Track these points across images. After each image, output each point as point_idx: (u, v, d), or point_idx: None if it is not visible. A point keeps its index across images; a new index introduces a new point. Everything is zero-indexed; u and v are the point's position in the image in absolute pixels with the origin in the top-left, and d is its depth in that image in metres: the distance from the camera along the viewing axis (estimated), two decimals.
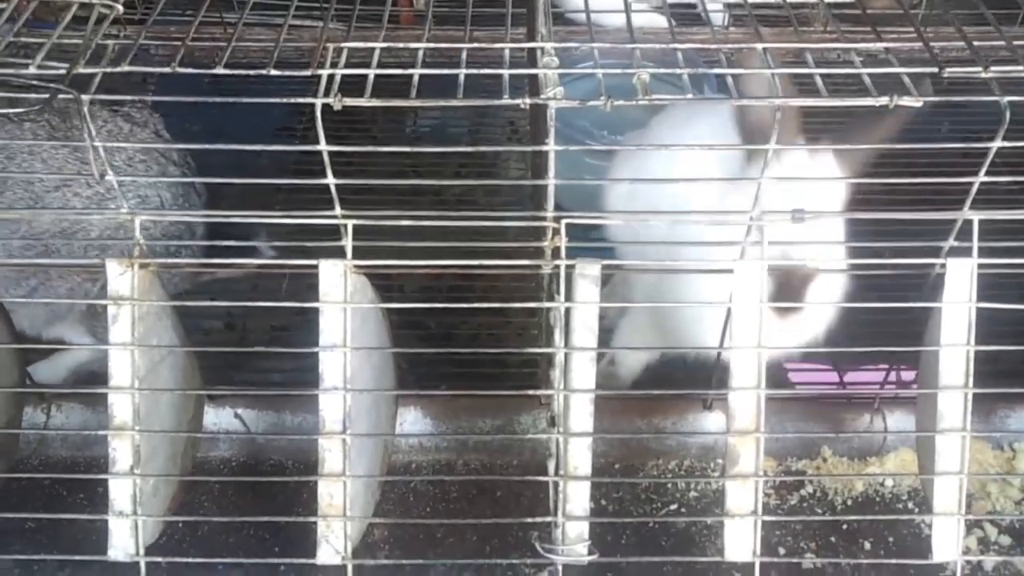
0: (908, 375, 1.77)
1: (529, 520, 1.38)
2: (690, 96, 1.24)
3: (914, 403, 1.60)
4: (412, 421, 1.71)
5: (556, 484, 1.35)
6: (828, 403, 1.81)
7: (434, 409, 1.71)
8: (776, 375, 1.67)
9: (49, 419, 1.78)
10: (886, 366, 1.76)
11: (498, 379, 1.76)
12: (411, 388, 1.75)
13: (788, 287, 1.40)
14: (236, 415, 1.74)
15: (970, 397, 1.36)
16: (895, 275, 1.42)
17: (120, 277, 1.38)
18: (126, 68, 1.28)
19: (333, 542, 1.37)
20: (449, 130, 2.83)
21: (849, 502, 1.75)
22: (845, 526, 1.71)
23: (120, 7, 1.38)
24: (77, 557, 1.58)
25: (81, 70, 1.27)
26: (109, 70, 1.28)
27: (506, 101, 1.24)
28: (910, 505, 1.75)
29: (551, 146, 1.29)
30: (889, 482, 1.76)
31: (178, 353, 1.52)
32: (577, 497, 1.36)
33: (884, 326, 1.47)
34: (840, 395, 1.82)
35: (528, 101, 1.24)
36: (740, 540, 1.37)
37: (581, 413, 1.35)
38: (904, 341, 1.42)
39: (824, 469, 1.77)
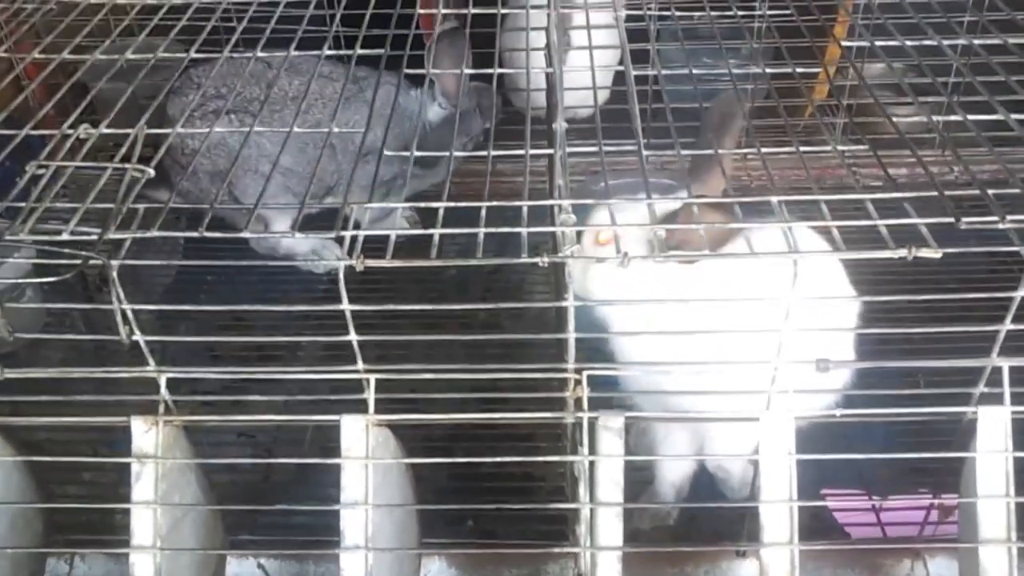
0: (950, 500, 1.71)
1: None
2: (707, 253, 1.25)
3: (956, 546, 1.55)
4: (436, 572, 1.67)
5: None
6: (867, 544, 1.75)
7: (459, 559, 1.67)
8: (810, 496, 1.61)
9: (72, 570, 1.76)
10: (925, 492, 1.71)
11: (526, 518, 1.72)
12: (437, 523, 1.71)
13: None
14: (259, 565, 1.71)
15: (1015, 552, 1.31)
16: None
17: (145, 435, 1.39)
18: (156, 233, 1.33)
19: None
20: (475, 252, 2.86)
21: None
22: None
23: (151, 171, 1.43)
24: None
25: (112, 236, 1.31)
26: (139, 235, 1.32)
27: (524, 260, 1.26)
28: None
29: (571, 302, 1.30)
30: None
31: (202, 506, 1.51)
32: None
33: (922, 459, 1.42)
34: (878, 541, 1.76)
35: (546, 260, 1.26)
36: None
37: (609, 572, 1.32)
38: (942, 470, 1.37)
39: None
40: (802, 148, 1.47)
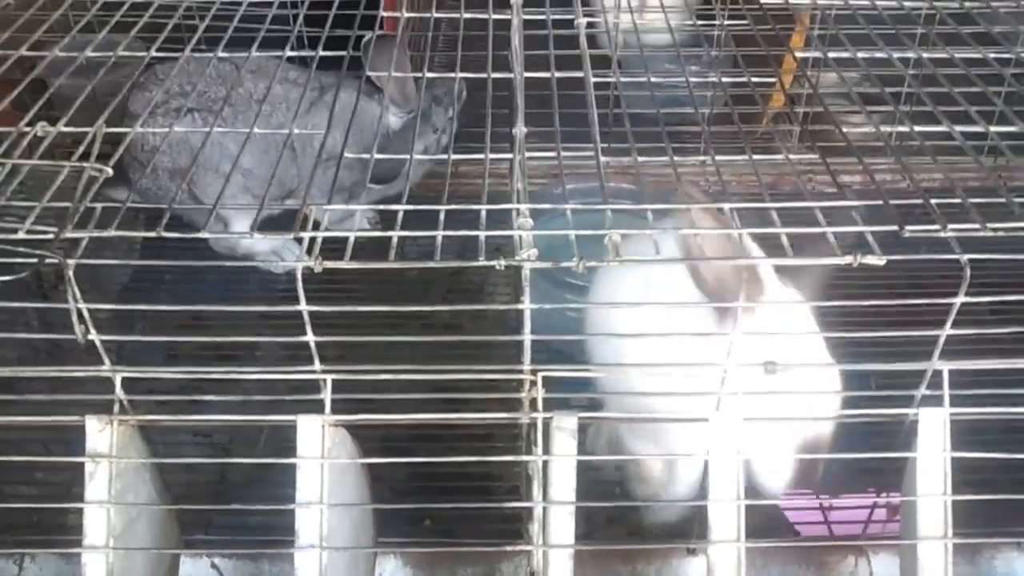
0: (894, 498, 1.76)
1: None
2: (660, 257, 1.28)
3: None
4: (391, 571, 1.68)
5: None
6: (812, 541, 1.79)
7: (414, 557, 1.68)
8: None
9: (22, 571, 1.74)
10: (872, 491, 1.76)
11: (483, 516, 1.74)
12: (394, 521, 1.72)
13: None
14: (213, 565, 1.71)
15: (951, 547, 1.35)
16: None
17: (99, 434, 1.39)
18: (113, 233, 1.32)
19: None
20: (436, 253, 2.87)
21: None
22: None
23: (110, 170, 1.42)
24: None
25: (69, 235, 1.31)
26: (96, 234, 1.32)
27: (482, 263, 1.28)
28: None
29: (527, 305, 1.32)
30: None
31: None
32: None
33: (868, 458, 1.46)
34: (824, 539, 1.81)
35: (503, 263, 1.28)
36: None
37: (561, 570, 1.34)
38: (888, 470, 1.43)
39: None
40: (756, 156, 1.51)
